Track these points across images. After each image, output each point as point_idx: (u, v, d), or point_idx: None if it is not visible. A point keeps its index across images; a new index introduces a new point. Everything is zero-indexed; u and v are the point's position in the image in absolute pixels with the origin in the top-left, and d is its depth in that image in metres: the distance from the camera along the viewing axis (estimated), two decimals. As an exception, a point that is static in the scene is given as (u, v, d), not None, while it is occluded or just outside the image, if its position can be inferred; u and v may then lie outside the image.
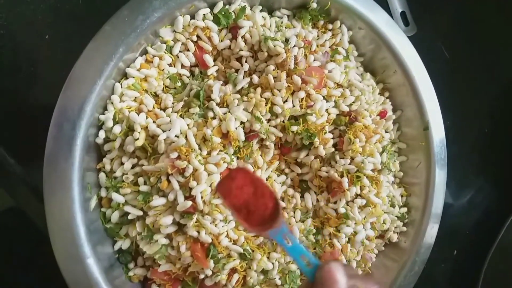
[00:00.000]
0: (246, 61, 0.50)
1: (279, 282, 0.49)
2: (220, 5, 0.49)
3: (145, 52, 0.49)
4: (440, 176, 0.55)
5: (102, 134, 0.46)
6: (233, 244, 0.47)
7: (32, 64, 0.55)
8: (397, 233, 0.57)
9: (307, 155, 0.52)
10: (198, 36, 0.50)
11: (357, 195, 0.51)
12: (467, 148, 0.70)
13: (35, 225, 0.54)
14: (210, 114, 0.47)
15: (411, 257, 0.55)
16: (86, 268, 0.44)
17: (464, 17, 0.70)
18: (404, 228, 0.56)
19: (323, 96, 0.50)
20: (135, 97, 0.47)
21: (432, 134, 0.55)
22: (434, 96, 0.56)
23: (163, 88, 0.50)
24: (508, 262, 0.68)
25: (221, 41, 0.50)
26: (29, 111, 0.55)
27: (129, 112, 0.46)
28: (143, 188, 0.46)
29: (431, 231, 0.55)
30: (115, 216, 0.47)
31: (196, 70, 0.51)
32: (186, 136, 0.45)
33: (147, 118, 0.46)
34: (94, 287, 0.44)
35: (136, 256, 0.50)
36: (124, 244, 0.48)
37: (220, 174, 0.46)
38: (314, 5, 0.52)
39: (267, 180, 0.50)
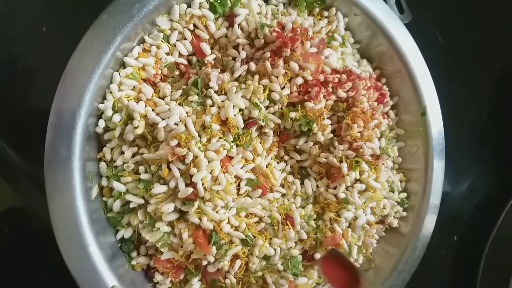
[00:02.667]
0: (243, 49, 0.50)
1: (281, 267, 0.49)
2: (215, -7, 0.49)
3: (142, 41, 0.49)
4: (439, 161, 0.56)
5: (102, 123, 0.46)
6: (234, 230, 0.47)
7: (30, 55, 0.55)
8: (397, 218, 0.57)
9: (306, 141, 0.52)
10: (194, 25, 0.50)
11: (356, 180, 0.52)
12: (465, 134, 0.70)
13: (38, 216, 0.54)
14: (209, 101, 0.47)
15: (412, 241, 0.55)
16: (89, 257, 0.44)
17: (458, 4, 0.70)
18: (404, 213, 0.57)
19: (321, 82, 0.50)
20: (134, 86, 0.48)
21: (429, 119, 0.56)
22: (430, 82, 0.56)
23: (161, 77, 0.50)
24: (508, 247, 0.69)
25: (218, 29, 0.50)
26: (28, 102, 0.55)
27: (128, 101, 0.46)
28: (144, 176, 0.46)
29: (431, 216, 0.56)
30: (116, 205, 0.47)
31: (194, 59, 0.51)
32: (185, 124, 0.45)
33: (146, 106, 0.46)
34: (97, 275, 0.44)
35: (139, 244, 0.50)
36: (126, 233, 0.49)
37: (220, 161, 0.46)
38: (309, -8, 0.52)
39: (266, 167, 0.51)
